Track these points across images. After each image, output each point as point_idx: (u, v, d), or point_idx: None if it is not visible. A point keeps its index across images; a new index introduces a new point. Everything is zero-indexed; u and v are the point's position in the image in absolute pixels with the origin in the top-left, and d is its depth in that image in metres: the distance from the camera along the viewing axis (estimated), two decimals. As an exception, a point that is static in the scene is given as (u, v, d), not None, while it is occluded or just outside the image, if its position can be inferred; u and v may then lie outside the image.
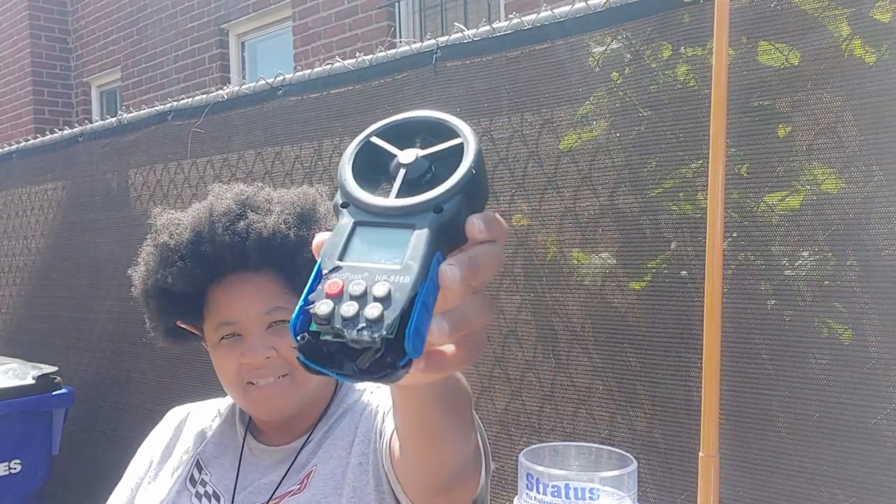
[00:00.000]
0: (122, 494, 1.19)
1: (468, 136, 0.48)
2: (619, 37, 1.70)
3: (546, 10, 1.82)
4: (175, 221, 1.09)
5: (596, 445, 0.63)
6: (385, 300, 0.42)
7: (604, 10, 1.72)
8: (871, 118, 1.40)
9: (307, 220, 1.06)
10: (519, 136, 1.88)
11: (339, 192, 0.48)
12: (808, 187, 1.47)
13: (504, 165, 1.90)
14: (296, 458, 1.08)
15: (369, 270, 0.43)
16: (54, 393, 2.94)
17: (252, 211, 1.06)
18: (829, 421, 1.44)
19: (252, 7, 6.29)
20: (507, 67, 1.89)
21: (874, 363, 1.40)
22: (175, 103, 2.89)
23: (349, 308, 0.42)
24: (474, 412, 0.82)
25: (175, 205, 2.89)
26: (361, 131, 0.51)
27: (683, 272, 1.61)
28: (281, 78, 2.48)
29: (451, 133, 0.49)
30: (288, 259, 1.04)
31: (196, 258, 1.04)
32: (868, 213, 1.42)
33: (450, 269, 0.44)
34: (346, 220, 0.46)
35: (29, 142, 3.82)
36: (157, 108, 2.98)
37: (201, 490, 1.10)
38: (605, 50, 1.72)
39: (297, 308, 0.44)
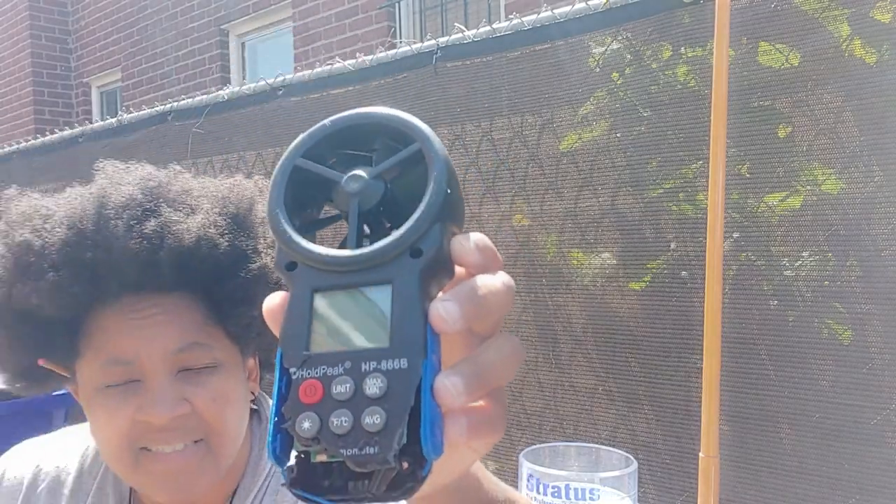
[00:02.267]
0: None
1: (427, 137, 0.37)
2: (620, 37, 1.70)
3: (546, 11, 1.82)
4: (42, 212, 0.77)
5: (596, 446, 0.64)
6: (383, 400, 0.32)
7: (604, 10, 1.72)
8: (872, 118, 1.40)
9: (243, 226, 0.76)
10: (519, 137, 1.88)
11: (277, 248, 0.37)
12: (809, 188, 1.47)
13: (504, 167, 1.90)
14: None
15: (350, 357, 0.33)
16: (54, 393, 2.94)
17: (167, 206, 0.74)
18: (828, 422, 1.44)
19: (252, 7, 6.29)
20: (508, 68, 1.89)
21: (874, 364, 1.40)
22: (175, 104, 2.89)
23: (340, 420, 0.32)
24: None
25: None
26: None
27: (684, 273, 1.61)
28: (281, 78, 2.48)
29: (399, 134, 0.38)
30: (214, 278, 0.74)
31: (76, 268, 0.71)
32: (868, 214, 1.42)
33: (444, 307, 0.33)
34: (300, 289, 0.35)
35: (29, 142, 3.82)
36: (157, 108, 2.98)
37: None
38: (606, 50, 1.72)
39: (270, 427, 0.34)
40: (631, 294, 1.69)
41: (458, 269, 0.37)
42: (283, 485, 0.34)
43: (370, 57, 2.21)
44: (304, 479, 0.33)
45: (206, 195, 0.78)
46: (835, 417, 1.43)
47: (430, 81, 2.05)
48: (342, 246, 0.36)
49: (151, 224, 0.72)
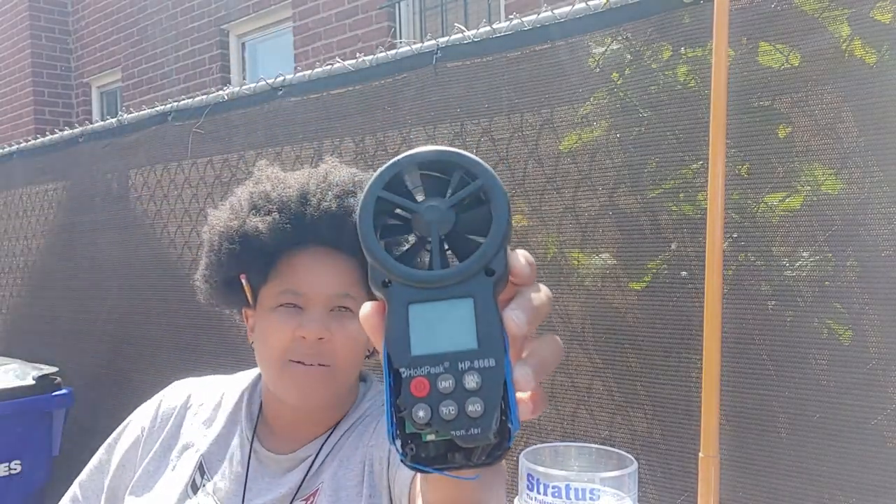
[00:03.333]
0: (101, 473, 1.13)
1: (487, 174, 0.45)
2: (620, 37, 1.70)
3: (546, 11, 1.82)
4: (280, 177, 1.05)
5: (596, 446, 0.64)
6: (481, 392, 0.41)
7: (604, 10, 1.72)
8: (872, 119, 1.40)
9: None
10: (519, 136, 1.88)
11: (371, 267, 0.45)
12: (808, 188, 1.47)
13: (504, 165, 1.90)
14: (306, 473, 1.02)
15: (448, 358, 0.42)
16: (54, 393, 2.94)
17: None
18: (829, 421, 1.44)
19: (252, 7, 6.29)
20: (508, 68, 1.89)
21: (874, 364, 1.40)
22: (175, 104, 2.89)
23: (449, 409, 0.41)
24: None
25: (175, 205, 2.89)
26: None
27: (683, 272, 1.61)
28: (281, 78, 2.48)
29: (465, 170, 0.45)
30: None
31: (294, 216, 0.99)
32: (868, 214, 1.42)
33: (516, 315, 0.43)
34: (398, 303, 0.44)
35: (29, 142, 3.82)
36: (157, 108, 2.98)
37: (203, 500, 1.03)
38: (606, 50, 1.72)
39: (387, 416, 0.43)
40: (631, 294, 1.69)
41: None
42: (401, 461, 0.43)
43: (370, 57, 2.21)
44: (418, 455, 0.43)
45: None
46: (835, 417, 1.43)
47: (430, 81, 2.05)
48: (406, 260, 0.44)
49: (350, 200, 1.00)
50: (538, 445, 0.62)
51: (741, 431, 1.53)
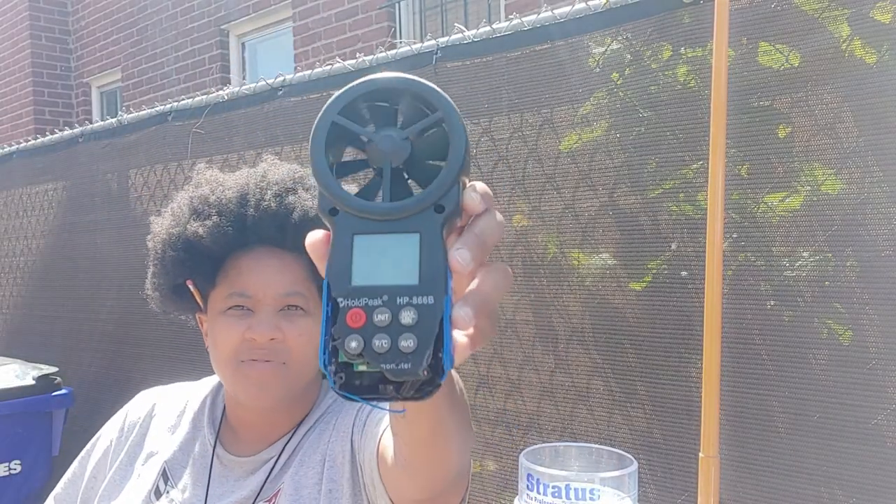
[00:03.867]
0: (75, 485, 1.14)
1: (450, 106, 0.44)
2: (620, 37, 1.70)
3: (546, 11, 1.82)
4: (219, 179, 1.04)
5: (596, 446, 0.64)
6: (415, 328, 0.41)
7: (604, 10, 1.72)
8: (872, 119, 1.40)
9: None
10: (519, 136, 1.88)
11: (320, 194, 0.44)
12: (808, 188, 1.47)
13: (504, 165, 1.90)
14: (268, 475, 1.02)
15: (387, 292, 0.42)
16: (54, 393, 2.94)
17: (304, 190, 1.02)
18: (828, 421, 1.44)
19: (252, 8, 6.29)
20: (508, 68, 1.89)
21: (874, 364, 1.40)
22: (175, 104, 2.89)
23: (381, 342, 0.41)
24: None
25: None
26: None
27: (683, 272, 1.61)
28: (281, 79, 2.48)
29: (423, 100, 0.44)
30: None
31: (235, 218, 0.99)
32: (868, 214, 1.42)
33: (460, 255, 0.42)
34: (342, 232, 0.43)
35: (29, 142, 3.82)
36: (157, 108, 2.98)
37: None
38: (606, 50, 1.72)
39: (321, 343, 0.43)
40: (631, 294, 1.69)
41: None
42: (331, 388, 0.43)
43: (370, 57, 2.21)
44: (348, 384, 0.43)
45: None
46: (835, 417, 1.43)
47: (430, 81, 2.04)
48: (365, 193, 0.44)
49: (290, 198, 1.00)
50: (538, 445, 0.62)
51: (741, 431, 1.53)
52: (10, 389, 2.82)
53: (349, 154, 0.47)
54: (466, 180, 0.45)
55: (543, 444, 0.62)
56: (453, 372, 0.68)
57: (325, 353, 0.42)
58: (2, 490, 2.84)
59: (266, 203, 0.99)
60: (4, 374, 2.94)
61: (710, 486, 1.29)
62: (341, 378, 0.42)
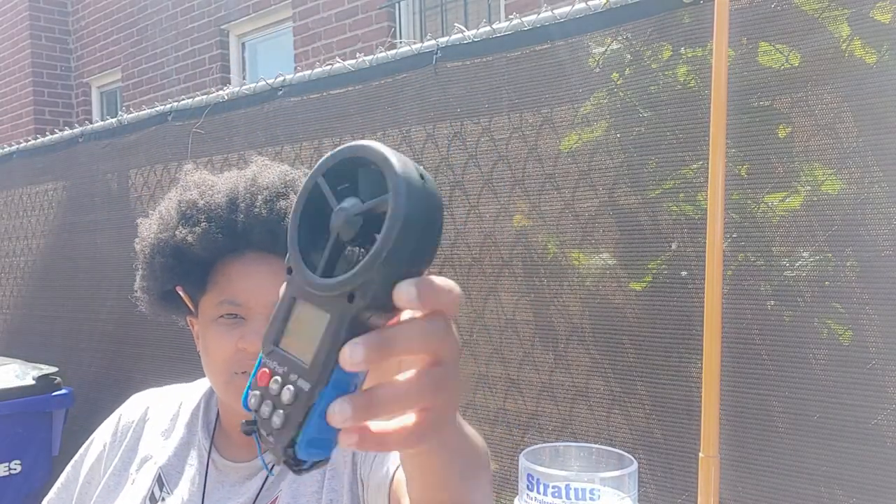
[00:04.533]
0: (68, 490, 1.13)
1: (397, 185, 0.40)
2: (620, 37, 1.70)
3: (546, 11, 1.82)
4: (208, 182, 1.01)
5: (596, 446, 0.64)
6: (287, 407, 0.41)
7: (604, 10, 1.72)
8: (872, 118, 1.40)
9: None
10: (519, 136, 1.88)
11: (288, 251, 0.45)
12: (808, 188, 1.47)
13: (504, 164, 1.90)
14: (264, 482, 1.01)
15: (288, 364, 0.42)
16: (54, 393, 2.94)
17: (294, 193, 0.98)
18: (828, 421, 1.44)
19: (252, 8, 6.29)
20: (508, 68, 1.89)
21: (874, 364, 1.40)
22: (175, 104, 2.89)
23: (266, 408, 0.43)
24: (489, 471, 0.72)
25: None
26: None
27: (683, 272, 1.61)
28: (281, 79, 2.48)
29: (380, 174, 0.41)
30: None
31: (224, 224, 0.96)
32: (868, 214, 1.42)
33: (354, 351, 0.39)
34: (289, 291, 0.44)
35: (29, 142, 3.82)
36: (157, 108, 2.98)
37: None
38: (606, 50, 1.72)
39: (247, 385, 0.45)
40: (631, 294, 1.69)
41: None
42: (241, 424, 0.45)
43: (370, 57, 2.21)
44: (254, 425, 0.44)
45: None
46: (835, 417, 1.43)
47: (430, 81, 2.05)
48: (323, 263, 0.43)
49: (281, 203, 0.96)
50: (538, 445, 0.62)
51: (741, 431, 1.53)
52: (10, 389, 2.82)
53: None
54: (416, 271, 0.41)
55: (543, 444, 0.62)
56: (470, 436, 0.63)
57: (245, 397, 0.44)
58: (2, 490, 2.84)
59: (257, 209, 0.96)
60: (4, 374, 2.94)
61: (710, 486, 1.29)
62: (247, 423, 0.44)
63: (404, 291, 0.40)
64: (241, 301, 0.96)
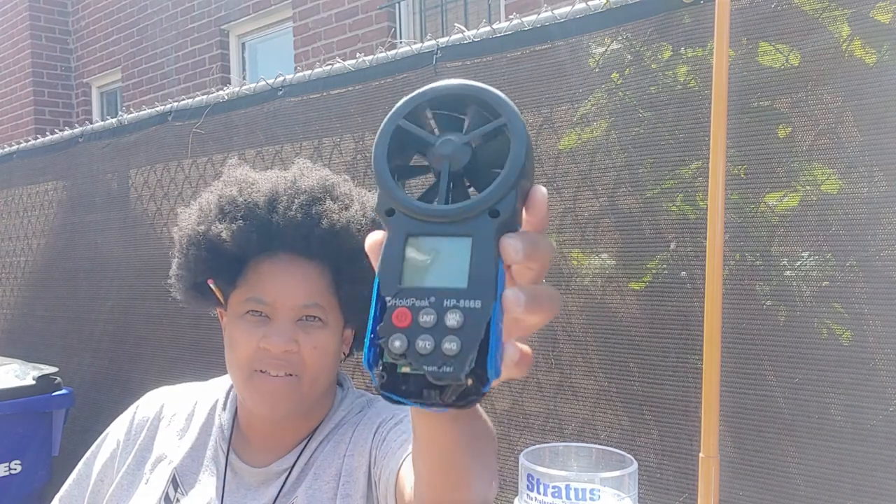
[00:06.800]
0: (80, 487, 1.13)
1: (513, 113, 0.44)
2: (620, 37, 1.70)
3: (546, 11, 1.82)
4: (250, 180, 1.02)
5: (596, 446, 0.64)
6: (460, 331, 0.40)
7: (604, 10, 1.72)
8: (872, 119, 1.40)
9: (376, 225, 0.96)
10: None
11: (379, 194, 0.44)
12: (808, 188, 1.47)
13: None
14: (281, 489, 1.01)
15: (435, 293, 0.41)
16: (55, 393, 2.94)
17: (332, 199, 1.01)
18: (828, 422, 1.44)
19: (252, 8, 6.29)
20: (508, 68, 1.89)
21: (874, 364, 1.40)
22: (175, 104, 2.89)
23: (425, 343, 0.40)
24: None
25: (175, 205, 2.89)
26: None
27: (683, 273, 1.61)
28: (281, 79, 2.48)
29: (488, 107, 0.44)
30: (345, 258, 0.98)
31: (260, 224, 0.97)
32: (868, 214, 1.42)
33: (512, 242, 0.41)
34: (397, 233, 0.43)
35: (29, 142, 3.82)
36: (157, 108, 2.98)
37: None
38: (606, 51, 1.72)
39: (366, 341, 0.43)
40: (631, 294, 1.69)
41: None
42: (374, 386, 0.42)
43: (370, 57, 2.21)
44: (390, 384, 0.42)
45: (359, 200, 1.04)
46: (834, 417, 1.43)
47: (430, 82, 2.04)
48: (426, 197, 0.44)
49: (317, 208, 0.99)
50: (538, 445, 0.62)
51: (741, 431, 1.53)
52: (10, 389, 2.82)
53: (415, 162, 0.48)
54: (529, 184, 0.45)
55: (543, 445, 0.62)
56: (486, 418, 0.66)
57: (369, 352, 0.42)
58: (2, 490, 2.84)
59: (293, 212, 0.97)
60: (4, 374, 2.94)
61: (709, 487, 1.29)
62: (383, 377, 0.42)
63: (540, 201, 0.44)
64: (268, 300, 0.98)
